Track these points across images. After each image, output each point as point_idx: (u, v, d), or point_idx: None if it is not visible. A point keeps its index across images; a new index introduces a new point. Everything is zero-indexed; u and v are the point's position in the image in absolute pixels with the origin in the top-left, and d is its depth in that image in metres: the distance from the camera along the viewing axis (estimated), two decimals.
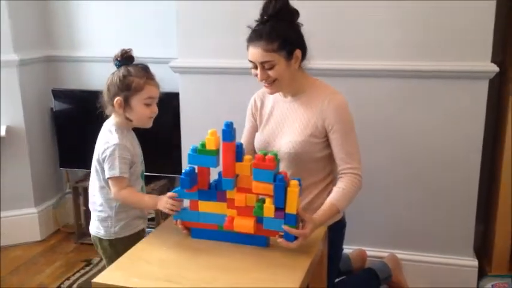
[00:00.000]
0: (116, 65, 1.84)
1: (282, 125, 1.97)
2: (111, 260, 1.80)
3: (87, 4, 3.13)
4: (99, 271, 2.63)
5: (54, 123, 3.24)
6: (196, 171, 1.63)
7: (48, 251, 3.08)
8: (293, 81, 1.92)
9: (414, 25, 2.29)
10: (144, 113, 1.82)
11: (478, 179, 2.39)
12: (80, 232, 3.19)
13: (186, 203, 1.71)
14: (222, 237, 1.66)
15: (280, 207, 1.56)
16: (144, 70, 1.83)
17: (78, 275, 2.78)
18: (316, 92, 1.93)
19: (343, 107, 1.89)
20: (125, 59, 1.83)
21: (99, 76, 3.18)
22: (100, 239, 1.93)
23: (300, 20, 1.89)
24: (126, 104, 1.80)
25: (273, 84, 1.88)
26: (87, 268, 2.86)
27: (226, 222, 1.61)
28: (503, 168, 2.38)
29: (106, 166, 1.80)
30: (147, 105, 1.82)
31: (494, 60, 2.26)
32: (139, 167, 1.90)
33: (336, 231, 2.00)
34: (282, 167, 1.91)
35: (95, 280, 1.47)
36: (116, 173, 1.77)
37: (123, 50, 1.83)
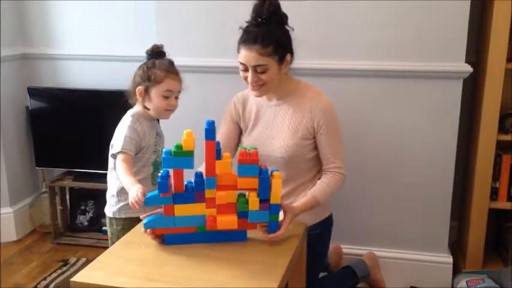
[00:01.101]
0: (147, 59, 1.98)
1: (271, 128, 1.99)
2: (111, 238, 2.01)
3: (63, 1, 3.10)
4: (76, 271, 2.60)
5: (30, 122, 3.20)
6: (169, 174, 1.58)
7: (24, 251, 3.04)
8: (280, 85, 1.94)
9: (388, 25, 2.32)
10: (161, 105, 1.95)
11: (453, 177, 2.44)
12: (56, 232, 3.16)
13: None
14: (198, 239, 1.63)
15: (265, 199, 1.60)
16: (168, 64, 1.95)
17: (54, 275, 2.75)
18: (302, 93, 1.96)
19: (329, 107, 1.93)
20: (155, 53, 1.97)
21: (76, 74, 3.18)
22: (106, 215, 2.06)
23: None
24: (146, 93, 1.94)
25: (262, 87, 1.89)
26: (64, 268, 2.83)
27: (208, 222, 1.60)
28: (476, 166, 2.43)
29: (115, 144, 1.90)
30: (165, 97, 1.94)
31: (468, 61, 2.31)
32: (150, 155, 1.99)
33: (325, 227, 2.05)
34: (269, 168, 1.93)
35: (73, 279, 1.45)
36: (119, 148, 1.86)
37: (155, 45, 1.98)
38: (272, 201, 1.61)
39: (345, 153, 1.97)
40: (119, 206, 1.99)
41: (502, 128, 2.41)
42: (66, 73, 3.19)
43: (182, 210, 1.59)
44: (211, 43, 2.53)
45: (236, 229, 1.63)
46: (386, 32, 2.33)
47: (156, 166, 2.03)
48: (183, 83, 2.00)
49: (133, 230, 1.77)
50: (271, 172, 1.61)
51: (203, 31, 2.52)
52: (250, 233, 1.68)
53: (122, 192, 1.94)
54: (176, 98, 1.99)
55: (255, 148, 1.60)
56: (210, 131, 1.54)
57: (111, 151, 1.92)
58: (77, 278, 1.46)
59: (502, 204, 2.49)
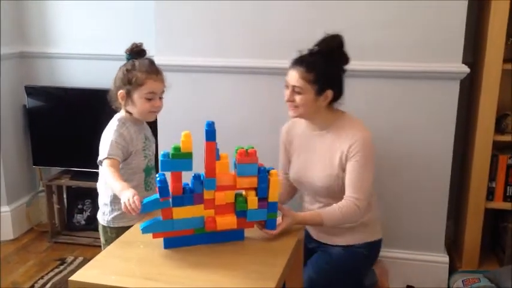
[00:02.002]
0: (126, 59, 1.91)
1: (312, 157, 2.05)
2: (105, 245, 1.95)
3: (61, 0, 3.09)
4: (74, 270, 2.61)
5: (27, 121, 3.20)
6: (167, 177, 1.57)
7: (21, 250, 3.04)
8: (317, 115, 2.00)
9: (385, 26, 2.33)
10: (145, 107, 1.88)
11: (450, 176, 2.45)
12: (53, 231, 3.16)
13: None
14: (197, 241, 1.62)
15: (263, 197, 1.61)
16: (148, 64, 1.89)
17: (52, 274, 2.76)
18: (343, 126, 2.01)
19: (367, 141, 1.96)
20: (135, 53, 1.90)
21: (73, 73, 3.18)
22: (98, 221, 2.02)
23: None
24: (128, 97, 1.88)
25: (295, 109, 1.97)
26: (61, 267, 2.83)
27: (208, 223, 1.59)
28: (473, 166, 2.44)
29: (100, 151, 1.86)
30: (148, 99, 1.87)
31: (465, 62, 2.32)
32: (140, 161, 1.93)
33: (371, 249, 2.12)
34: (316, 197, 2.07)
35: (71, 278, 1.46)
36: (104, 155, 1.82)
37: (134, 44, 1.91)
38: (270, 200, 1.62)
39: (370, 189, 1.97)
40: (113, 215, 1.95)
41: (498, 129, 2.42)
42: (64, 72, 3.18)
43: (181, 212, 1.58)
44: (210, 43, 2.53)
45: (234, 229, 1.63)
46: (384, 33, 2.34)
47: (148, 171, 1.97)
48: (166, 81, 1.95)
49: (131, 229, 1.77)
50: (268, 171, 1.62)
51: (202, 31, 2.53)
52: (248, 232, 1.69)
53: (115, 201, 1.87)
54: (160, 98, 1.92)
55: (252, 147, 1.61)
56: (210, 132, 1.54)
57: (99, 157, 1.86)
58: (75, 277, 1.46)
59: (498, 204, 2.50)
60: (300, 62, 1.94)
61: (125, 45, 2.74)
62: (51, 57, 3.19)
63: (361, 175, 1.94)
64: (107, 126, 1.93)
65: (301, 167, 2.09)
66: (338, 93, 1.99)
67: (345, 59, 1.98)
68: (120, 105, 1.93)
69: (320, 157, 2.03)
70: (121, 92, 1.88)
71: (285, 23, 2.43)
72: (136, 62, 1.88)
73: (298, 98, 1.94)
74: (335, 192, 2.01)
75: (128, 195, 1.58)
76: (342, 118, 2.04)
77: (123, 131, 1.88)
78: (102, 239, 2.02)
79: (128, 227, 1.80)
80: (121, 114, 1.94)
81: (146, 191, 1.95)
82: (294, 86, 1.94)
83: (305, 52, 1.96)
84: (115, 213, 1.94)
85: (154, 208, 1.58)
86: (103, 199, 1.97)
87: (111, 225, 1.96)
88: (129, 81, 1.86)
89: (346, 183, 1.96)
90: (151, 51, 2.61)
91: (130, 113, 1.91)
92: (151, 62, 1.91)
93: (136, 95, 1.87)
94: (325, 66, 1.93)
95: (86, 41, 3.11)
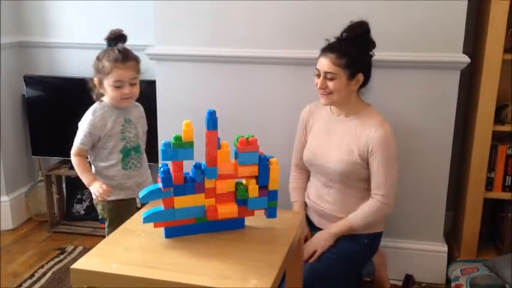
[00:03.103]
0: (107, 46, 1.99)
1: (331, 141, 2.10)
2: (109, 226, 2.12)
3: None
4: (74, 259, 2.63)
5: (26, 111, 3.19)
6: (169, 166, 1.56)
7: (20, 240, 3.05)
8: (347, 101, 2.06)
9: (386, 16, 2.32)
10: (115, 95, 1.98)
11: (449, 167, 2.46)
12: (53, 221, 3.16)
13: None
14: (197, 229, 1.62)
15: (263, 186, 1.61)
16: (117, 53, 1.94)
17: (52, 263, 2.76)
18: (367, 118, 2.06)
19: (388, 137, 2.02)
20: (113, 39, 1.98)
21: (72, 63, 3.16)
22: (97, 203, 2.17)
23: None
24: (101, 85, 2.00)
25: (328, 95, 2.03)
26: (61, 256, 2.84)
27: (209, 212, 1.59)
28: (472, 156, 2.45)
29: (76, 137, 2.04)
30: (117, 87, 1.96)
31: (465, 51, 2.32)
32: (117, 143, 2.06)
33: (373, 239, 2.17)
34: (327, 181, 2.11)
35: (73, 266, 1.45)
36: (77, 143, 2.03)
37: (112, 30, 1.99)
38: (270, 188, 1.62)
39: (395, 183, 2.06)
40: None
41: (498, 119, 2.42)
42: (63, 61, 3.17)
43: (182, 202, 1.57)
44: (210, 32, 2.52)
45: (235, 217, 1.63)
46: (384, 23, 2.33)
47: (126, 152, 2.09)
48: (139, 68, 2.02)
49: (132, 218, 1.77)
50: (268, 159, 1.62)
51: (201, 20, 2.51)
52: (248, 221, 1.69)
53: (98, 176, 2.09)
54: (132, 84, 2.00)
55: (253, 135, 1.60)
56: (212, 120, 1.53)
57: (74, 143, 2.05)
58: (77, 265, 1.46)
59: (497, 194, 2.51)
60: (330, 48, 2.00)
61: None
62: (50, 47, 3.17)
63: (384, 172, 2.01)
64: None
65: (317, 149, 2.13)
66: (367, 78, 2.05)
67: (372, 44, 2.05)
68: (98, 92, 2.04)
69: (339, 142, 2.07)
70: (95, 80, 2.00)
71: (281, 13, 2.42)
72: (109, 50, 1.96)
73: (331, 84, 2.00)
74: (348, 179, 2.06)
75: (95, 187, 1.98)
76: (368, 109, 2.10)
77: (94, 119, 2.01)
78: (106, 222, 2.16)
79: (122, 200, 2.10)
80: (101, 100, 2.06)
81: (124, 170, 2.10)
82: (326, 73, 1.99)
83: (333, 40, 2.03)
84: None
85: (155, 198, 1.58)
86: None
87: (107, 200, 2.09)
88: (98, 70, 1.97)
89: (372, 181, 2.04)
90: (150, 41, 2.63)
91: (101, 100, 2.05)
92: (121, 50, 1.97)
93: (105, 83, 1.98)
94: (355, 51, 1.99)
95: (85, 30, 3.09)
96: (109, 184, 2.05)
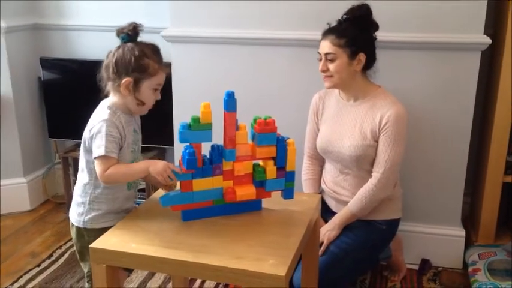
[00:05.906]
0: (122, 38, 1.65)
1: (343, 127, 2.08)
2: (81, 252, 1.75)
3: None
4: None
5: (43, 93, 3.20)
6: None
7: (38, 221, 3.08)
8: (352, 83, 2.04)
9: None
10: (151, 99, 1.68)
11: (468, 150, 2.42)
12: (69, 202, 3.17)
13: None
14: (215, 212, 1.62)
15: (281, 167, 1.61)
16: (158, 53, 1.68)
17: (70, 243, 2.79)
18: (379, 99, 2.04)
19: (401, 116, 2.01)
20: (136, 34, 1.65)
21: (88, 45, 3.16)
22: (72, 224, 1.77)
23: None
24: (135, 86, 1.63)
25: (330, 78, 2.01)
26: None
27: (227, 194, 1.59)
28: (492, 140, 2.41)
29: (94, 146, 1.62)
30: (155, 90, 1.68)
31: (486, 33, 2.27)
32: (128, 155, 1.69)
33: (390, 226, 2.16)
34: (342, 168, 2.11)
35: (92, 245, 1.47)
36: (102, 151, 1.58)
37: (134, 23, 1.65)
38: (288, 169, 1.62)
39: (396, 166, 2.02)
40: (90, 215, 1.71)
41: None
42: (79, 44, 3.17)
43: (200, 184, 1.57)
44: (227, 13, 2.50)
45: (253, 199, 1.63)
46: (405, 4, 2.29)
47: None
48: None
49: (150, 198, 1.78)
50: (285, 140, 1.61)
51: (218, 1, 2.49)
52: (265, 203, 1.69)
53: (96, 201, 1.70)
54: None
55: (270, 117, 1.59)
56: (230, 101, 1.52)
57: (94, 153, 1.61)
58: (96, 244, 1.48)
59: None
60: (330, 31, 2.00)
61: (140, 17, 2.69)
62: (65, 29, 3.17)
63: (389, 148, 1.98)
64: (95, 114, 1.69)
65: (330, 136, 2.11)
66: (370, 59, 2.02)
67: (374, 25, 2.04)
68: (113, 89, 1.68)
69: (351, 127, 2.05)
70: (127, 79, 1.62)
71: None
72: (145, 48, 1.64)
73: (331, 66, 1.98)
74: (363, 164, 2.05)
75: (161, 168, 1.56)
76: (377, 91, 2.07)
77: (114, 120, 1.64)
78: (76, 246, 1.78)
79: (104, 229, 1.60)
80: (112, 100, 1.69)
81: (128, 190, 1.75)
82: (326, 54, 1.99)
83: (334, 23, 2.02)
84: (93, 214, 1.71)
85: (177, 203, 1.58)
86: (80, 196, 1.73)
87: (88, 227, 1.71)
88: (141, 69, 1.62)
89: (377, 156, 2.02)
90: (166, 23, 2.62)
91: (142, 102, 1.67)
92: (159, 50, 1.69)
93: (145, 85, 1.64)
94: (355, 31, 1.98)
95: (101, 12, 3.08)
96: (108, 210, 1.71)
